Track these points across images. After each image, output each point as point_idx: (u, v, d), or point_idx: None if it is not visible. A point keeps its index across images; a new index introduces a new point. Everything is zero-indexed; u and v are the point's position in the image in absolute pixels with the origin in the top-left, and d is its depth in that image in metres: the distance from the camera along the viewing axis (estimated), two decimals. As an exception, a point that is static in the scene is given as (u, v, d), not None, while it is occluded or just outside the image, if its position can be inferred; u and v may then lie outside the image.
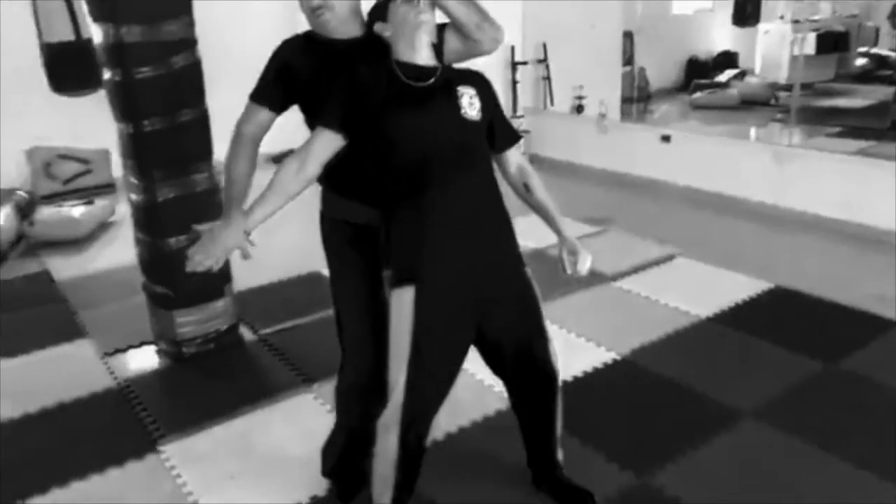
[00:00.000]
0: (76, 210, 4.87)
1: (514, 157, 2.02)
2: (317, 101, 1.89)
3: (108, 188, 5.79)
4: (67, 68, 4.46)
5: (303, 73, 1.95)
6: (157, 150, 2.94)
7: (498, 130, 1.95)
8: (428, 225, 1.80)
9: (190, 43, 2.93)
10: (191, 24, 2.92)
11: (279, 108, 1.98)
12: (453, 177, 1.82)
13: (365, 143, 1.79)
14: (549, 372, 2.06)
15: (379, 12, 1.90)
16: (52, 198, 5.42)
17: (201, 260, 1.80)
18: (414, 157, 1.79)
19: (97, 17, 2.81)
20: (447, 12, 1.84)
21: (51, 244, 4.71)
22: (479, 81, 1.91)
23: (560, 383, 2.14)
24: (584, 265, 1.98)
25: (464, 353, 1.93)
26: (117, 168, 5.68)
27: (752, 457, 2.44)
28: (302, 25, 2.02)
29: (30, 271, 4.34)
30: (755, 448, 2.49)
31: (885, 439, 2.50)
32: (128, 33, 2.76)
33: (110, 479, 2.43)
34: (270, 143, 5.73)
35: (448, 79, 1.85)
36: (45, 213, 4.85)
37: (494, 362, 2.05)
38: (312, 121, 1.93)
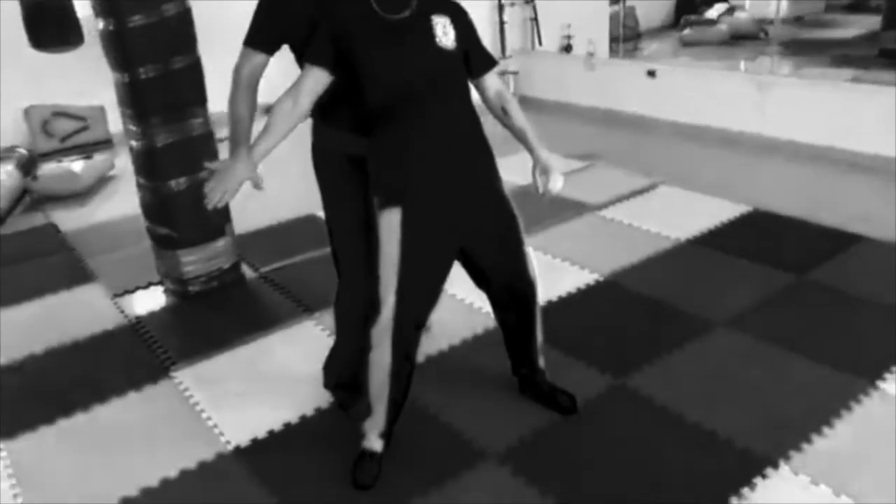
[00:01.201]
0: (76, 164, 5.00)
1: (492, 81, 2.11)
2: (304, 38, 1.99)
3: (105, 144, 5.89)
4: (46, 24, 4.52)
5: (290, 14, 2.06)
6: (153, 96, 3.06)
7: (474, 56, 2.06)
8: (409, 151, 1.94)
9: (179, -10, 3.02)
10: (178, -29, 3.01)
11: (271, 50, 2.09)
12: (431, 104, 1.94)
13: (348, 76, 1.91)
14: (528, 283, 2.23)
15: None
16: (51, 155, 5.54)
17: (218, 194, 1.92)
18: (392, 87, 1.91)
19: (87, -32, 2.90)
20: None
21: (54, 199, 4.86)
22: (453, 10, 2.00)
23: (539, 294, 2.31)
24: (556, 184, 2.11)
25: (448, 267, 2.09)
26: (113, 124, 5.84)
27: (722, 359, 2.63)
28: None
29: (36, 224, 4.50)
30: (725, 352, 2.68)
31: (845, 340, 2.69)
32: (118, -18, 2.86)
33: (129, 401, 2.63)
34: (264, 95, 5.85)
35: (423, 10, 1.96)
36: (47, 168, 4.98)
37: (478, 277, 2.21)
38: (300, 58, 2.05)
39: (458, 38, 1.97)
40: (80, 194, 4.92)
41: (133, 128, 3.16)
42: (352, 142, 2.08)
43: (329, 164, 2.21)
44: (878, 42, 6.63)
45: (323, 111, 2.07)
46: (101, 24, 3.02)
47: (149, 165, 3.20)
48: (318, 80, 1.91)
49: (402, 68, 1.90)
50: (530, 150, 2.14)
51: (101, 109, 5.88)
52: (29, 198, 4.89)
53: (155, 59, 3.02)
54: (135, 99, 3.08)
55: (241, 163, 1.96)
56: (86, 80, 5.82)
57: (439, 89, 1.94)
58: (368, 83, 1.90)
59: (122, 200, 4.79)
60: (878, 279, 3.10)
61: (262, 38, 2.08)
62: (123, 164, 5.42)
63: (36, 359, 2.95)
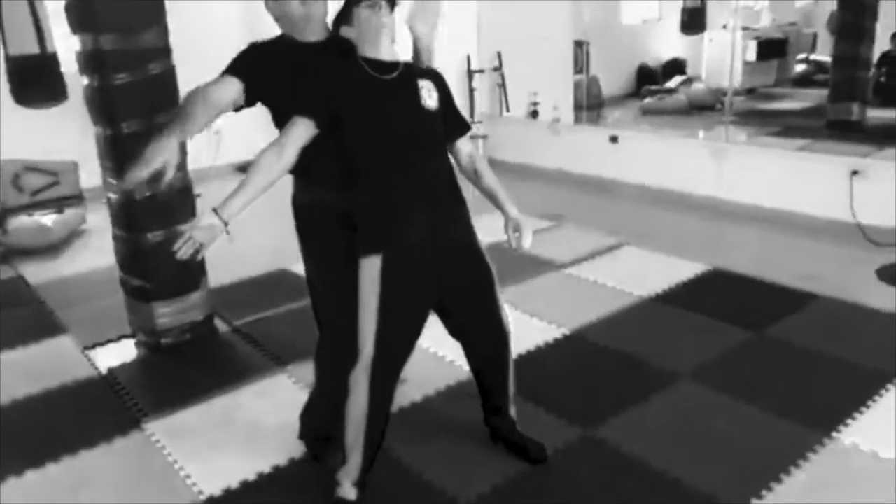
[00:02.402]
0: (48, 218, 5.01)
1: (465, 145, 2.26)
2: (288, 95, 2.07)
3: (76, 199, 5.89)
4: (32, 81, 4.61)
5: (274, 70, 2.17)
6: (135, 151, 3.09)
7: (450, 121, 2.20)
8: (392, 203, 2.04)
9: (164, 51, 3.14)
10: (165, 32, 3.13)
11: (251, 84, 2.14)
12: (414, 159, 2.06)
13: (335, 129, 2.01)
14: (501, 333, 2.32)
15: (343, 17, 2.13)
16: (21, 209, 5.52)
17: (190, 248, 1.90)
18: (378, 140, 2.03)
19: (76, 28, 3.01)
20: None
21: (24, 252, 4.83)
22: (435, 77, 2.16)
23: (511, 346, 2.39)
24: (527, 240, 2.23)
25: (425, 316, 2.17)
26: (85, 180, 5.88)
27: (686, 411, 2.73)
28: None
29: (4, 277, 4.47)
30: (689, 404, 2.77)
31: (802, 393, 2.81)
32: (106, 42, 2.96)
33: (100, 453, 2.61)
34: (234, 152, 6.03)
35: (409, 73, 2.10)
36: (18, 221, 4.97)
37: (453, 327, 2.29)
38: (281, 116, 2.14)
39: (440, 101, 2.11)
40: (52, 248, 4.91)
41: (112, 181, 3.22)
42: (334, 198, 2.16)
43: (311, 220, 2.26)
44: (826, 114, 7.01)
45: (306, 168, 2.12)
46: (86, 81, 3.11)
47: (126, 218, 3.25)
48: (305, 131, 1.99)
49: (390, 123, 2.02)
50: (501, 209, 2.27)
51: (73, 164, 5.91)
52: (-3, 251, 4.87)
53: (138, 115, 3.10)
54: (116, 152, 3.15)
55: (213, 219, 1.94)
56: (57, 135, 5.89)
57: (422, 146, 2.06)
58: (357, 135, 2.00)
59: (93, 254, 4.80)
60: (831, 335, 3.25)
61: (241, 69, 2.14)
62: (94, 219, 5.46)
63: (4, 410, 2.92)
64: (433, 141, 2.12)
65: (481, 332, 2.30)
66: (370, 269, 2.02)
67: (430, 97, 2.08)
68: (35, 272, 4.51)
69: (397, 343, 2.09)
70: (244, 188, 1.97)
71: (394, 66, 2.07)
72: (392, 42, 2.08)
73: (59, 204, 5.60)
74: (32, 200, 5.67)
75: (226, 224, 1.94)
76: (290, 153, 2.00)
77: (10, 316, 3.87)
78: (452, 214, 2.15)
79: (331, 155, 2.08)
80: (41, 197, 5.73)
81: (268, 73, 2.17)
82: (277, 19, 2.23)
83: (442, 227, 2.10)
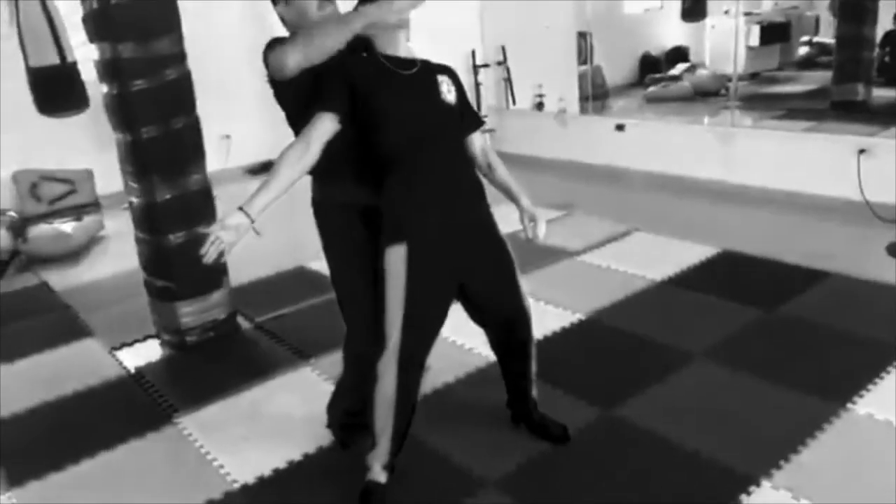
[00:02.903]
0: (67, 226, 5.11)
1: (478, 139, 2.32)
2: (308, 92, 2.09)
3: (92, 206, 5.99)
4: (53, 91, 4.72)
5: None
6: (155, 155, 3.22)
7: (464, 117, 2.26)
8: (415, 193, 2.11)
9: (180, 57, 3.22)
10: (180, 39, 3.21)
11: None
12: (436, 151, 2.13)
13: (359, 123, 2.07)
14: (523, 317, 2.38)
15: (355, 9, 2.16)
16: (39, 218, 5.63)
17: (216, 249, 1.92)
18: (402, 134, 2.09)
19: (95, 37, 3.10)
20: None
21: (45, 260, 4.93)
22: (451, 73, 2.23)
23: (533, 329, 2.45)
24: (541, 230, 2.28)
25: (449, 302, 2.23)
26: (101, 187, 5.98)
27: (702, 388, 2.79)
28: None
29: (28, 284, 4.57)
30: (704, 381, 2.84)
31: (815, 367, 2.87)
32: (124, 50, 3.05)
33: (135, 448, 2.70)
34: (244, 156, 6.12)
35: (427, 69, 2.16)
36: (38, 230, 5.07)
37: (476, 313, 2.35)
38: (298, 115, 2.17)
39: (457, 96, 2.17)
40: (72, 255, 5.01)
41: (134, 185, 3.30)
42: (355, 193, 2.22)
43: (332, 216, 2.31)
44: (830, 95, 7.03)
45: (326, 167, 2.14)
46: (105, 88, 3.20)
47: (148, 220, 3.33)
48: (329, 127, 2.04)
49: (413, 116, 2.09)
50: (515, 200, 2.32)
51: (89, 173, 6.02)
52: (20, 260, 4.96)
53: (156, 120, 3.19)
54: (136, 157, 3.24)
55: (240, 218, 1.96)
56: (73, 144, 6.00)
57: (443, 139, 2.14)
58: (381, 129, 2.07)
59: (113, 259, 4.90)
60: (843, 311, 3.30)
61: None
62: (112, 225, 5.56)
63: (38, 410, 3.01)
64: (454, 134, 2.19)
65: (503, 316, 2.36)
66: (396, 258, 2.08)
67: (449, 92, 2.15)
68: (58, 278, 4.61)
69: (424, 328, 2.16)
70: (270, 185, 2.01)
71: (412, 62, 2.13)
72: (407, 39, 2.14)
73: (76, 212, 5.70)
74: (50, 209, 5.78)
75: (252, 221, 1.98)
76: (315, 149, 2.04)
77: (38, 321, 3.96)
78: (473, 203, 2.21)
79: (349, 152, 2.14)
80: (59, 205, 5.84)
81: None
82: (288, 22, 2.25)
83: (464, 215, 2.17)
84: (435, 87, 2.14)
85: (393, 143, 2.09)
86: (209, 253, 1.93)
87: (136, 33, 3.06)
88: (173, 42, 3.19)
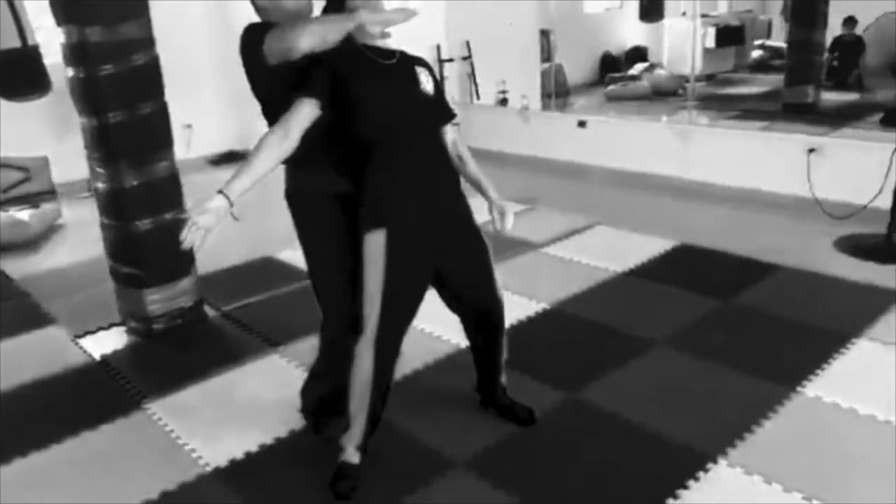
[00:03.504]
0: (24, 213, 5.01)
1: (451, 132, 2.36)
2: (285, 82, 2.11)
3: (49, 195, 5.87)
4: (15, 74, 4.62)
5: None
6: (122, 140, 3.20)
7: (439, 108, 2.31)
8: (394, 180, 2.15)
9: (148, 42, 3.20)
10: (148, 24, 3.19)
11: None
12: (414, 139, 2.18)
13: (339, 111, 2.10)
14: (496, 303, 2.45)
15: (334, 6, 2.20)
16: (-6, 206, 5.51)
17: (195, 234, 1.92)
18: (382, 122, 2.13)
19: (61, 20, 3.06)
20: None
21: (1, 248, 4.83)
22: (427, 66, 2.29)
23: (504, 314, 2.52)
24: (509, 222, 2.36)
25: (425, 287, 2.29)
26: (56, 175, 5.87)
27: (662, 373, 2.91)
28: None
29: (-16, 272, 4.47)
30: (664, 366, 2.95)
31: (768, 354, 3.00)
32: (91, 33, 3.02)
33: (104, 432, 2.69)
34: (205, 146, 6.10)
35: (406, 60, 2.21)
36: (-6, 217, 4.96)
37: (451, 299, 2.41)
38: (274, 105, 2.18)
39: (434, 88, 2.23)
40: (29, 243, 4.91)
41: (100, 170, 3.27)
42: (331, 181, 2.25)
43: (308, 204, 2.33)
44: (782, 98, 7.29)
45: (303, 155, 2.15)
46: (71, 72, 3.16)
47: (115, 207, 3.30)
48: (309, 113, 2.07)
49: (394, 104, 2.14)
50: (484, 193, 2.39)
51: (45, 160, 5.89)
52: (-26, 247, 4.85)
53: (123, 105, 3.16)
54: (103, 142, 3.21)
55: (219, 201, 1.98)
56: (29, 131, 5.87)
57: (421, 127, 2.19)
58: (363, 116, 2.10)
59: (72, 248, 4.83)
60: (794, 301, 3.46)
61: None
62: (70, 213, 5.47)
63: (2, 396, 2.97)
64: (432, 123, 2.25)
65: (478, 303, 2.43)
66: (375, 243, 2.13)
67: (427, 83, 2.21)
68: (15, 267, 4.52)
69: (401, 312, 2.22)
70: (248, 168, 2.03)
71: (391, 53, 2.18)
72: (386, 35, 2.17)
73: (32, 200, 5.58)
74: (4, 197, 5.65)
75: (231, 204, 2.00)
76: (295, 135, 2.07)
77: (-3, 309, 3.90)
78: (450, 192, 2.27)
79: (326, 140, 2.17)
80: (13, 193, 5.71)
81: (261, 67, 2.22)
82: (261, 9, 2.27)
83: (441, 203, 2.23)
84: (414, 77, 2.19)
85: (373, 131, 2.13)
86: (189, 238, 1.93)
87: (103, 17, 3.03)
88: (141, 27, 3.17)
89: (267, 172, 2.08)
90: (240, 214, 2.07)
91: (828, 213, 4.50)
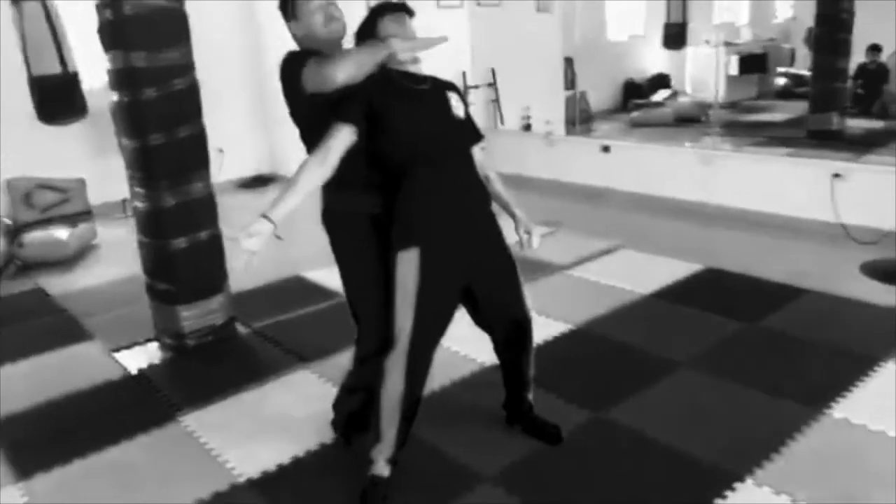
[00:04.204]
0: (62, 232, 5.16)
1: (478, 153, 2.44)
2: (323, 109, 2.21)
3: (85, 215, 6.04)
4: (54, 99, 4.81)
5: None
6: (162, 161, 3.32)
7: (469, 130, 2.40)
8: (427, 200, 2.23)
9: (189, 67, 3.33)
10: (189, 51, 3.33)
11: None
12: (446, 162, 2.26)
13: (373, 136, 2.19)
14: (525, 320, 2.51)
15: (367, 31, 2.28)
16: (32, 225, 5.67)
17: (244, 256, 2.05)
18: (417, 146, 2.22)
19: (108, 46, 3.20)
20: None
21: (39, 266, 4.98)
22: (457, 90, 2.38)
23: (533, 332, 2.57)
24: (535, 241, 2.44)
25: (455, 304, 2.35)
26: (93, 196, 6.04)
27: (687, 394, 2.92)
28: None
29: (24, 289, 4.61)
30: (689, 388, 2.97)
31: (794, 376, 3.01)
32: (136, 59, 3.15)
33: (140, 443, 2.77)
34: (236, 170, 6.25)
35: (437, 85, 2.31)
36: (33, 235, 5.11)
37: (482, 317, 2.47)
38: (312, 131, 2.27)
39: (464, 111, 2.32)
40: (66, 261, 5.05)
41: (140, 190, 3.39)
42: (364, 202, 2.34)
43: (344, 223, 2.41)
44: (806, 125, 7.31)
45: (338, 176, 2.23)
46: (115, 96, 3.30)
47: (153, 225, 3.42)
48: (346, 138, 2.17)
49: (425, 127, 2.23)
50: (511, 212, 2.47)
51: (82, 182, 6.08)
52: (14, 265, 5.00)
53: (164, 128, 3.29)
54: (143, 163, 3.33)
55: (263, 225, 2.07)
56: (67, 154, 6.06)
57: (453, 150, 2.28)
58: (399, 140, 2.20)
59: (108, 266, 4.96)
60: (820, 324, 3.46)
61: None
62: (105, 233, 5.62)
63: (42, 408, 3.07)
64: (463, 147, 2.33)
65: (508, 320, 2.48)
66: (407, 261, 2.20)
67: (457, 107, 2.30)
68: (53, 283, 4.66)
69: (432, 328, 2.28)
70: (291, 192, 2.12)
71: (423, 79, 2.27)
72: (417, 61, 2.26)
73: (69, 220, 5.75)
74: (43, 217, 5.82)
75: (275, 226, 2.09)
76: (333, 159, 2.16)
77: (36, 324, 4.01)
78: (481, 210, 2.34)
79: (360, 163, 2.25)
80: (51, 213, 5.89)
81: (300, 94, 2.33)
82: (298, 38, 2.38)
83: (472, 221, 2.30)
84: (446, 102, 2.28)
85: (408, 154, 2.21)
86: (239, 261, 2.05)
87: (148, 43, 3.17)
88: (183, 53, 3.30)
89: (307, 195, 2.18)
90: (282, 235, 2.16)
91: (853, 239, 4.50)
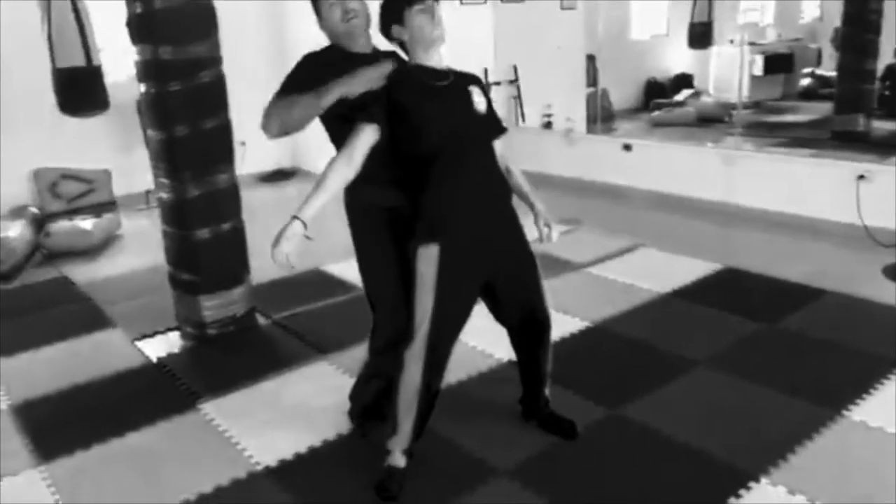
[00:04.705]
0: (87, 222, 5.24)
1: (500, 145, 2.45)
2: (343, 104, 2.25)
3: (109, 206, 6.14)
4: (77, 91, 4.88)
5: (329, 77, 2.37)
6: (187, 153, 3.37)
7: (491, 123, 2.40)
8: (449, 196, 2.25)
9: (215, 61, 3.38)
10: (216, 44, 3.37)
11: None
12: (468, 158, 2.27)
13: (397, 133, 2.22)
14: (544, 315, 2.52)
15: (394, 16, 2.26)
16: (58, 215, 5.77)
17: (283, 257, 2.14)
18: (437, 142, 2.23)
19: (136, 39, 3.26)
20: None
21: (64, 255, 5.06)
22: (479, 83, 2.39)
23: (552, 330, 2.59)
24: (555, 234, 2.44)
25: (474, 298, 2.37)
26: (117, 188, 6.14)
27: (704, 392, 2.92)
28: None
29: (49, 277, 4.69)
30: (707, 386, 2.96)
31: (813, 377, 2.99)
32: (163, 52, 3.20)
33: (161, 429, 2.82)
34: (257, 164, 6.32)
35: (459, 81, 2.30)
36: (59, 225, 5.20)
37: (501, 312, 2.49)
38: (337, 125, 2.32)
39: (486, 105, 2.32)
40: (90, 251, 5.14)
41: (165, 181, 3.44)
42: (385, 195, 2.37)
43: (366, 216, 2.46)
44: (831, 126, 7.22)
45: (363, 172, 2.28)
46: (143, 88, 3.35)
47: (177, 215, 3.47)
48: (370, 137, 2.21)
49: (448, 127, 2.23)
50: (531, 204, 2.47)
51: (107, 173, 6.18)
52: (40, 254, 5.09)
53: (190, 120, 3.34)
54: (169, 154, 3.38)
55: (297, 227, 2.15)
56: (93, 145, 6.15)
57: (475, 146, 2.28)
58: (422, 137, 2.21)
59: (131, 256, 5.04)
60: (840, 326, 3.44)
61: (297, 88, 2.32)
62: (129, 224, 5.71)
63: (64, 393, 3.13)
64: (484, 141, 2.34)
65: (527, 315, 2.49)
66: (428, 256, 2.22)
67: (479, 102, 2.30)
68: (77, 272, 4.74)
69: (451, 322, 2.30)
70: (319, 191, 2.18)
71: (445, 74, 2.28)
72: (440, 45, 2.27)
73: (94, 210, 5.84)
74: (69, 207, 5.93)
75: (305, 226, 2.16)
76: (359, 158, 2.21)
77: (61, 312, 4.09)
78: (501, 207, 2.35)
79: (382, 159, 2.28)
80: (77, 204, 6.00)
81: (321, 79, 2.37)
82: (327, 34, 2.45)
83: (492, 218, 2.31)
84: (468, 97, 2.29)
85: (431, 150, 2.23)
86: (282, 266, 2.15)
87: (175, 37, 3.22)
88: (210, 47, 3.35)
89: (335, 193, 2.24)
90: (312, 234, 2.20)
91: (876, 241, 4.45)
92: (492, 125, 2.40)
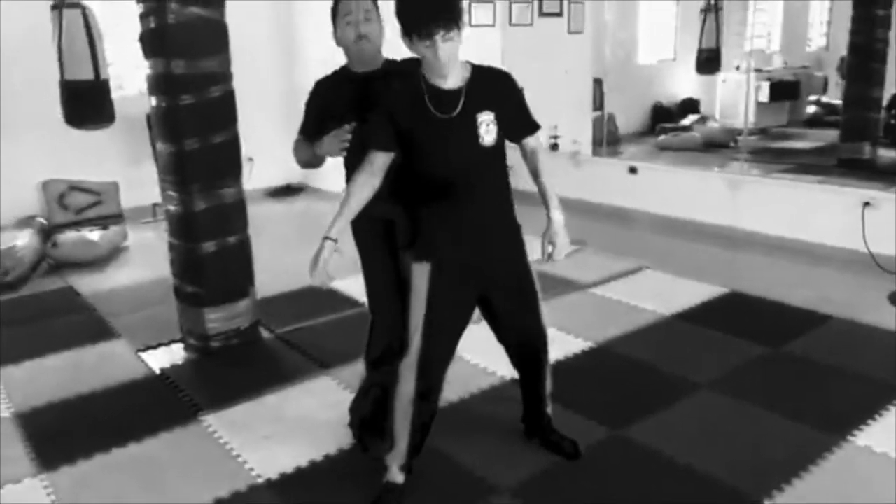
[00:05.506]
0: (94, 234, 5.28)
1: (530, 143, 2.38)
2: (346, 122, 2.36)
3: (116, 218, 6.18)
4: (84, 104, 4.93)
5: (339, 106, 2.43)
6: (195, 166, 3.40)
7: (518, 122, 2.33)
8: (444, 222, 2.27)
9: (226, 76, 3.42)
10: (227, 60, 3.41)
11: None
12: (467, 189, 2.24)
13: (404, 156, 2.24)
14: (540, 342, 2.54)
15: (403, 34, 2.20)
16: (66, 226, 5.81)
17: (320, 277, 2.19)
18: (439, 172, 2.23)
19: (150, 53, 3.30)
20: None
21: (70, 265, 5.08)
22: (505, 80, 2.29)
23: (549, 350, 2.59)
24: (559, 253, 2.35)
25: (467, 317, 2.36)
26: (124, 200, 6.18)
27: (707, 415, 2.90)
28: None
29: (55, 287, 4.71)
30: (710, 409, 2.95)
31: (817, 402, 2.98)
32: (175, 66, 3.24)
33: (162, 440, 2.82)
34: (266, 178, 6.41)
35: (470, 108, 2.18)
36: (66, 236, 5.23)
37: (497, 330, 2.50)
38: (353, 155, 2.37)
39: (499, 130, 2.22)
40: (97, 262, 5.16)
41: (173, 193, 3.47)
42: (385, 208, 2.41)
43: (366, 227, 2.52)
44: (837, 153, 7.24)
45: None
46: (154, 101, 3.39)
47: (184, 228, 3.49)
48: (385, 160, 2.24)
49: (450, 160, 2.21)
50: (547, 210, 2.35)
51: (115, 185, 6.22)
52: (47, 264, 5.11)
53: (199, 134, 3.37)
54: (178, 167, 3.41)
55: (328, 247, 2.19)
56: (101, 158, 6.20)
57: (476, 177, 2.24)
58: (421, 163, 2.23)
59: (137, 268, 5.06)
60: (845, 352, 3.42)
61: (311, 128, 2.56)
62: (135, 236, 5.74)
63: (67, 403, 3.13)
64: (486, 173, 2.27)
65: (522, 339, 2.52)
66: (421, 273, 2.26)
67: (487, 133, 2.19)
68: (84, 283, 4.76)
69: (442, 339, 2.31)
70: (344, 210, 2.23)
71: (456, 100, 2.18)
72: (456, 65, 2.18)
73: (101, 222, 5.88)
74: (76, 218, 5.96)
75: (335, 242, 2.21)
76: (379, 177, 2.25)
77: (66, 321, 4.10)
78: (501, 234, 2.34)
79: (388, 175, 2.31)
80: (85, 215, 6.03)
81: (331, 106, 2.46)
82: (344, 51, 2.51)
83: (486, 246, 2.29)
84: (474, 129, 2.18)
85: (430, 178, 2.25)
86: (323, 284, 2.22)
87: (187, 52, 3.26)
88: (221, 62, 3.38)
89: (358, 210, 2.27)
90: (341, 250, 2.23)
91: (882, 268, 4.45)
92: (520, 123, 2.32)
